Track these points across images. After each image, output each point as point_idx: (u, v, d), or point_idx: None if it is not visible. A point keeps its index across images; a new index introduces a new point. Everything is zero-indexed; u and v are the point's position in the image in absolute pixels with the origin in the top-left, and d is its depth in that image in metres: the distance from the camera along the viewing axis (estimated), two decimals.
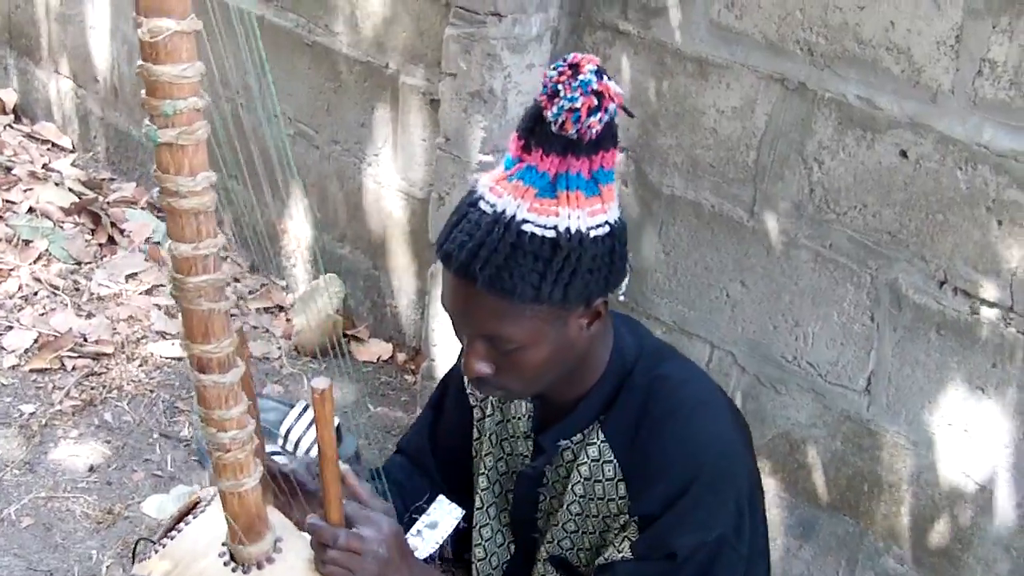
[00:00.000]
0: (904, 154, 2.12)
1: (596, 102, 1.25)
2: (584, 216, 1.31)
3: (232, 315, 3.61)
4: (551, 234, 1.30)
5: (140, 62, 1.03)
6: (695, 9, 2.37)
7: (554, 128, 1.27)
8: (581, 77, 1.25)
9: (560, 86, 1.26)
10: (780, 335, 2.40)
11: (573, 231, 1.30)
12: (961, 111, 2.02)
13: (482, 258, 1.31)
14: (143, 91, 1.05)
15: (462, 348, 1.47)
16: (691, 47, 2.39)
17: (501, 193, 1.33)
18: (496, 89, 2.55)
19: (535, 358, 1.38)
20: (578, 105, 1.24)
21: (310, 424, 2.96)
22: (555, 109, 1.26)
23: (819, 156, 2.24)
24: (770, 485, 2.48)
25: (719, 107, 2.38)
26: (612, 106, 1.27)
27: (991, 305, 2.06)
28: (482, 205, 1.34)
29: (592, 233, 1.32)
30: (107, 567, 2.57)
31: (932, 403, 2.19)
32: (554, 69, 1.27)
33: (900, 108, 2.10)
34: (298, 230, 3.63)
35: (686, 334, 2.57)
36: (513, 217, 1.30)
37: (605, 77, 1.27)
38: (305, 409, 3.01)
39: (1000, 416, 2.10)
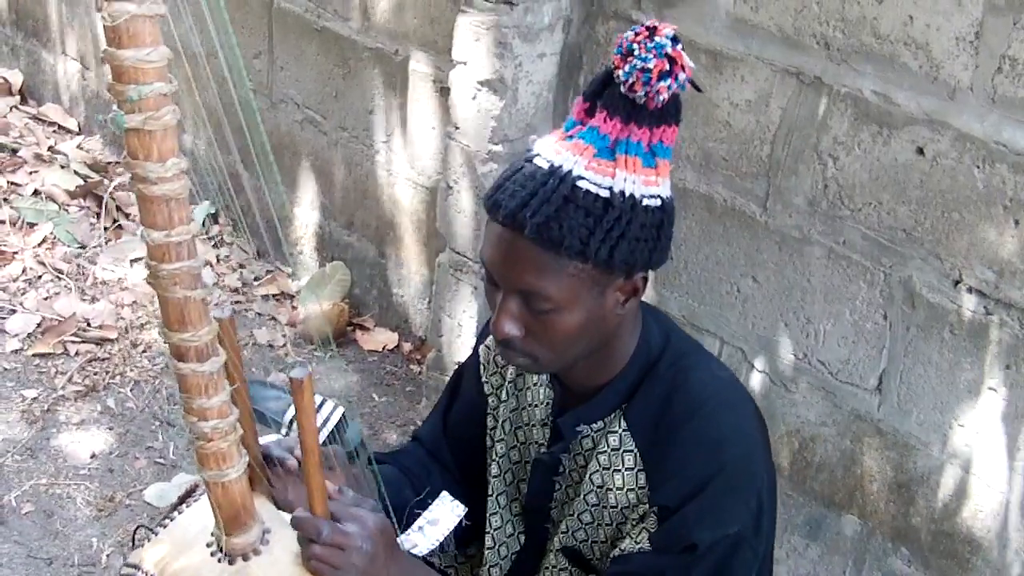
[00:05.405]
0: (921, 151, 2.09)
1: (667, 67, 1.26)
2: (639, 183, 1.31)
3: (236, 302, 3.59)
4: (605, 193, 1.30)
5: (104, 47, 1.01)
6: (710, 0, 2.34)
7: (623, 88, 1.28)
8: (657, 39, 1.27)
9: (635, 46, 1.27)
10: (791, 332, 2.38)
11: (627, 194, 1.31)
12: (980, 108, 1.99)
13: (533, 207, 1.30)
14: (109, 76, 1.03)
15: (493, 312, 1.42)
16: (706, 39, 2.36)
17: (559, 151, 1.34)
18: (507, 78, 2.52)
19: (567, 323, 1.36)
20: (650, 66, 1.25)
21: (315, 412, 2.95)
22: (627, 68, 1.27)
23: (834, 152, 2.21)
24: (778, 483, 2.46)
25: (733, 100, 2.35)
26: (682, 75, 1.28)
27: (1006, 306, 2.04)
28: (538, 160, 1.34)
29: (645, 202, 1.32)
30: (107, 555, 2.56)
31: (944, 403, 2.17)
32: (631, 31, 1.29)
33: (917, 104, 2.07)
34: (305, 217, 3.61)
35: (696, 329, 2.54)
36: (570, 172, 1.31)
37: (680, 46, 1.28)
38: None
39: (1012, 418, 2.07)
